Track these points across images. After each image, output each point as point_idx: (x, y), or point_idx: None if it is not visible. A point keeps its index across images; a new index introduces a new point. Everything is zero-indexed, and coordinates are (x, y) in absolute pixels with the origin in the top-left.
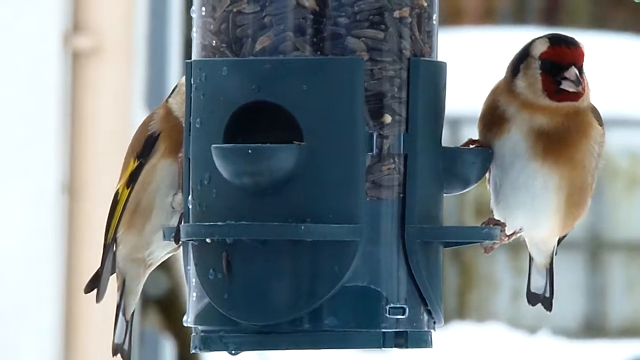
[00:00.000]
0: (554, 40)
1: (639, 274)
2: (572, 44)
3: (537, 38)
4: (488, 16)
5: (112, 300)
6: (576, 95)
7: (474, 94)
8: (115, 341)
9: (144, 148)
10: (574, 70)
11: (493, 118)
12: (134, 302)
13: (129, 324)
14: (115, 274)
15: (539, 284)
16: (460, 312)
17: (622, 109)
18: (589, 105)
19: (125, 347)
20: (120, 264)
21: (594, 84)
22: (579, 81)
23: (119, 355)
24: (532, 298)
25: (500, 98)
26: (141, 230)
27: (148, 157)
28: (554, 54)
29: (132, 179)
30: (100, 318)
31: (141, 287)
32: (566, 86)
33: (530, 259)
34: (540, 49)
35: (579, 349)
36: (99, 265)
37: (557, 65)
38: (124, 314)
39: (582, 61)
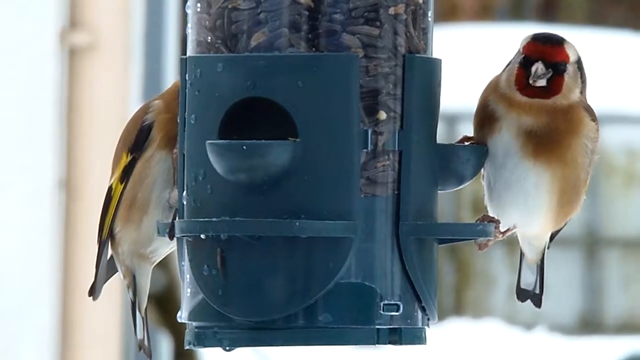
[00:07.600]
0: (535, 36)
1: (636, 271)
2: (549, 40)
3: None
4: (485, 13)
5: (109, 298)
6: (547, 93)
7: (471, 90)
8: (138, 337)
9: (136, 141)
10: (537, 65)
11: (484, 116)
12: (145, 298)
13: (144, 320)
14: (122, 272)
15: (529, 280)
16: (457, 309)
17: (619, 106)
18: (580, 102)
19: (146, 342)
20: (127, 261)
21: (591, 81)
22: (537, 76)
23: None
24: (522, 294)
25: (490, 96)
26: (139, 225)
27: (141, 151)
28: (527, 49)
29: (125, 174)
30: (98, 315)
31: (149, 283)
32: (531, 81)
33: (522, 254)
34: (523, 44)
35: (575, 345)
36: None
37: (529, 59)
38: (139, 311)
39: (558, 59)
